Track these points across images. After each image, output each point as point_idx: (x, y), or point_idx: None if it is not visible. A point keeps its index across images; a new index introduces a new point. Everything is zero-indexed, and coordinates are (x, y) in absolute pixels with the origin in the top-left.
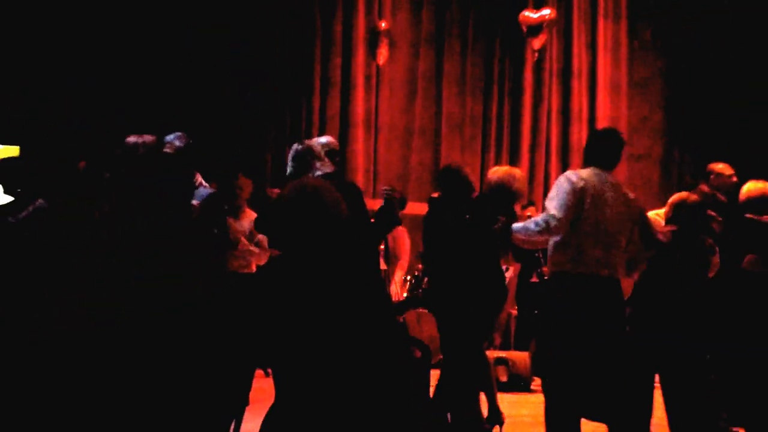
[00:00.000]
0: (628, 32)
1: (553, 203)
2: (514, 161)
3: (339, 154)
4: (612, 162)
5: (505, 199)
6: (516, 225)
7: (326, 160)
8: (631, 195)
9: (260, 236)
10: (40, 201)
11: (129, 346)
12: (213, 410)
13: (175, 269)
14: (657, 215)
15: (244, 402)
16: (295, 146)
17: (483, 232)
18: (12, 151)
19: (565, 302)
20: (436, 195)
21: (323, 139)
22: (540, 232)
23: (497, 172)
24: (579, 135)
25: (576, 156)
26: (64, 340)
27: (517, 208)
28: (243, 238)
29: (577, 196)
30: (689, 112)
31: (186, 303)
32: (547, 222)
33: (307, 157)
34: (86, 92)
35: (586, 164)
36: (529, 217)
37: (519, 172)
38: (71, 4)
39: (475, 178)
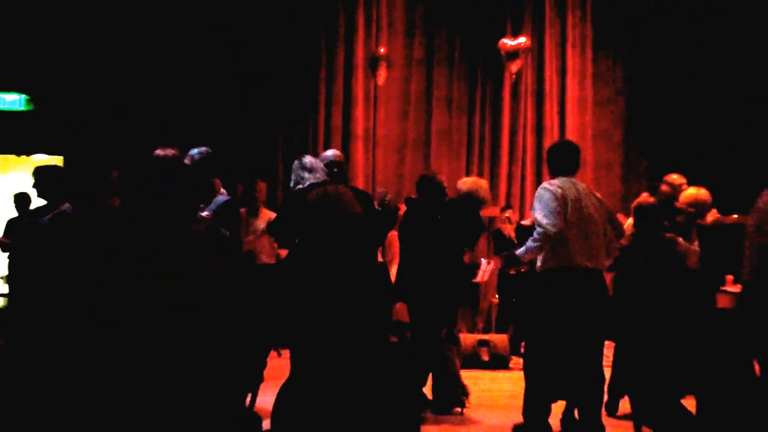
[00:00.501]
0: (593, 59)
1: (542, 214)
2: (494, 169)
3: (338, 166)
4: (573, 167)
5: (472, 205)
6: (519, 251)
7: (318, 171)
8: (598, 194)
9: None
10: (66, 205)
11: (131, 344)
12: (231, 387)
13: (173, 269)
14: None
15: (259, 379)
16: (294, 161)
17: (451, 232)
18: (56, 161)
19: (558, 293)
20: (414, 197)
21: (329, 152)
22: (542, 245)
23: (466, 182)
24: None
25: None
26: (65, 340)
27: (497, 210)
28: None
29: (560, 201)
30: (645, 127)
31: (186, 303)
32: (544, 233)
33: (298, 171)
34: (119, 104)
35: (553, 174)
36: (508, 218)
37: (484, 183)
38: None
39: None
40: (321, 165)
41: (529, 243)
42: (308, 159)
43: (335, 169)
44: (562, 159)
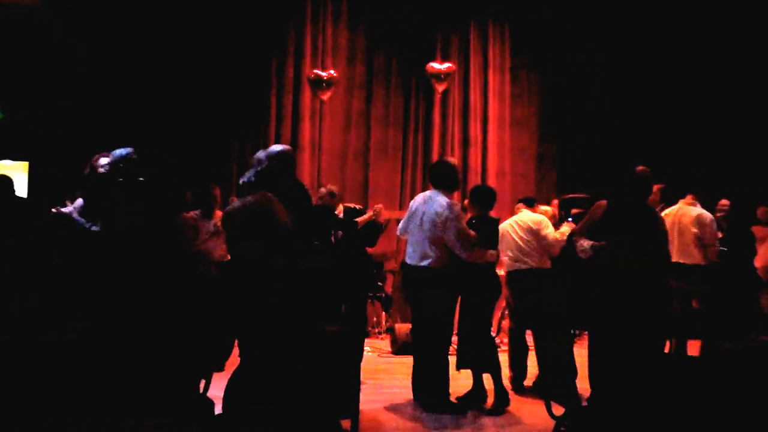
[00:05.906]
0: (511, 82)
1: None
2: (426, 178)
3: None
4: (435, 183)
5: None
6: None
7: (252, 170)
8: (439, 209)
9: None
10: None
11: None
12: (186, 372)
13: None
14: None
15: (218, 367)
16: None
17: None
18: (22, 166)
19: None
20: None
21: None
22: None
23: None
24: (475, 158)
25: (472, 174)
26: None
27: None
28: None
29: (408, 210)
30: (555, 142)
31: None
32: None
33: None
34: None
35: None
36: None
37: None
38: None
39: (396, 193)
40: (262, 161)
41: None
42: (256, 155)
43: (260, 168)
44: (433, 175)
